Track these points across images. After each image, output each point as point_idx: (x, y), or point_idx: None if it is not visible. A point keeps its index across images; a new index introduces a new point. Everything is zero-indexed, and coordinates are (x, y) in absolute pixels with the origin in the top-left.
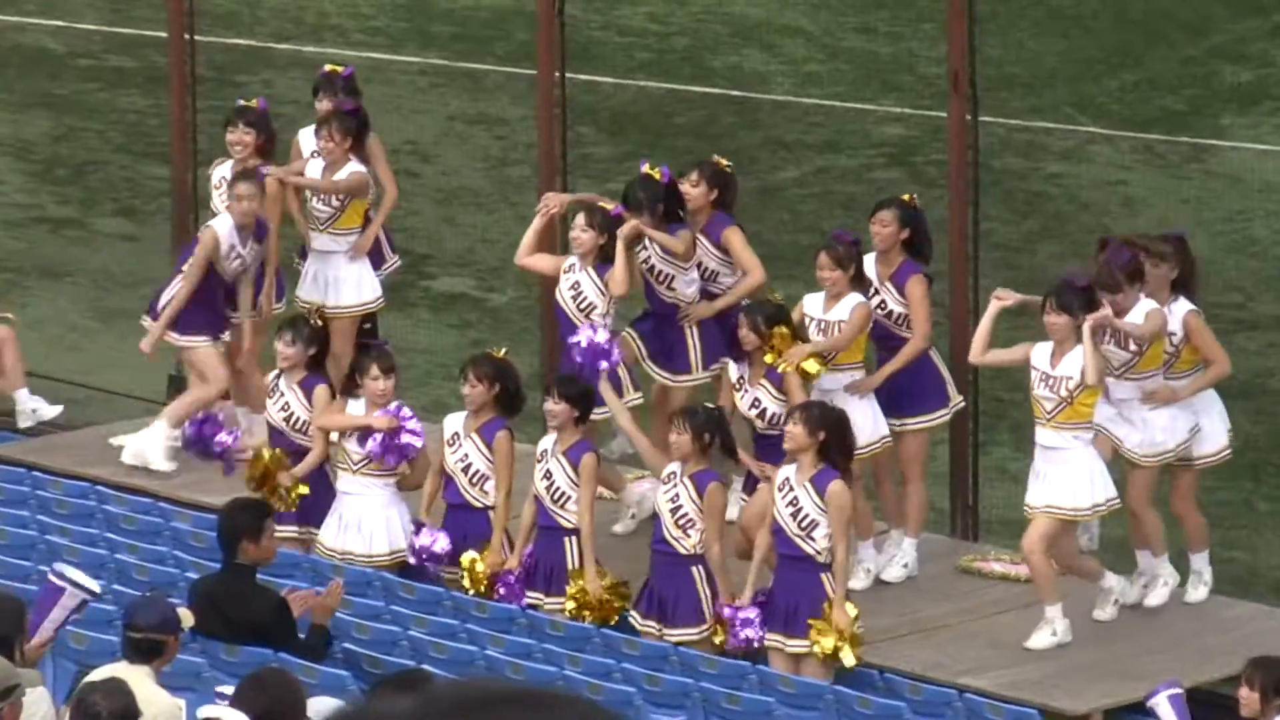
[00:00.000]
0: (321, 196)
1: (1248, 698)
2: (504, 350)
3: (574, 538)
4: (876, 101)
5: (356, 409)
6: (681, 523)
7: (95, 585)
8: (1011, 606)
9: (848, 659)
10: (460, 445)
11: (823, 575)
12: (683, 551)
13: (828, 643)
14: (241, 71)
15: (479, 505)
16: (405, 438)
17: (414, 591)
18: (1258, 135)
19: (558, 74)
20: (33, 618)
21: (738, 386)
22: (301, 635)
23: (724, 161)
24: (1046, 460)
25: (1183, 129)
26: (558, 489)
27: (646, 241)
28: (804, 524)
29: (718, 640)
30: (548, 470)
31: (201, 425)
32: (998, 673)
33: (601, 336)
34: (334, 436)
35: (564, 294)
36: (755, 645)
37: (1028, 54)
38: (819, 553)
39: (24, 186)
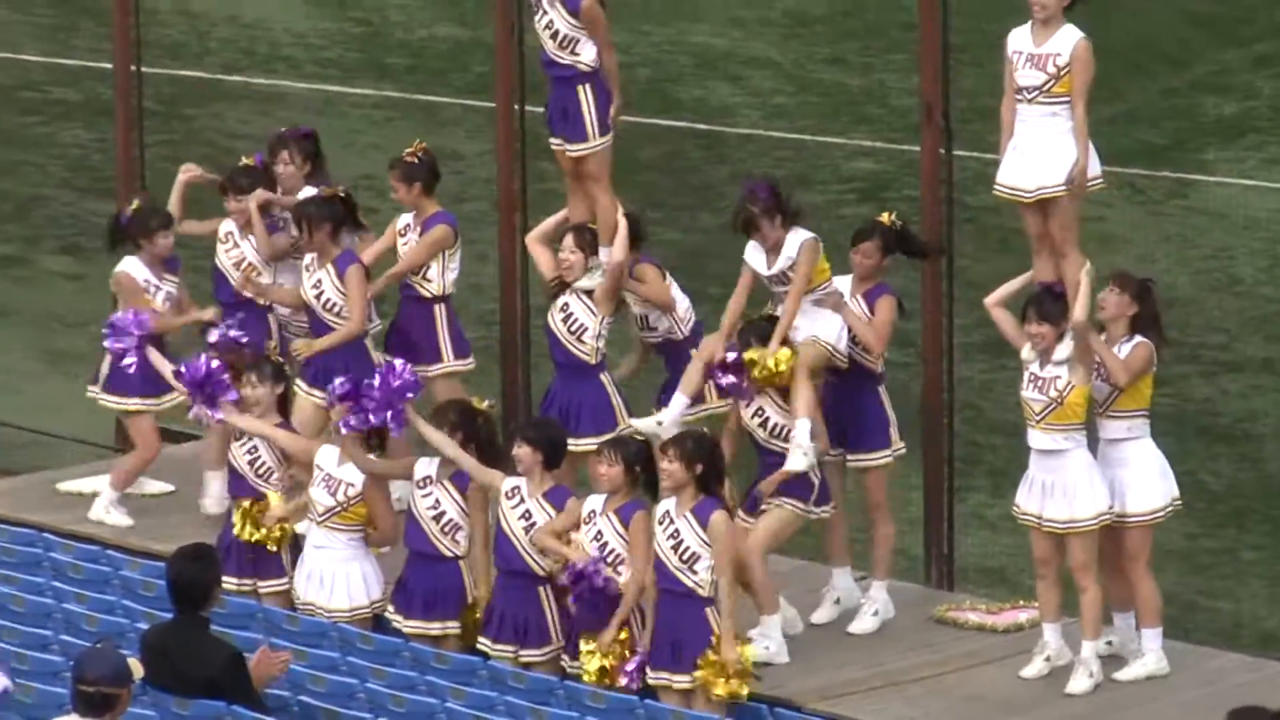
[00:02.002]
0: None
1: None
2: (488, 403)
3: (546, 586)
4: (847, 135)
5: (328, 453)
6: (611, 560)
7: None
8: (988, 659)
9: (740, 690)
10: (431, 490)
11: (706, 610)
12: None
13: (718, 683)
14: (190, 104)
15: (449, 555)
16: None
17: (371, 642)
18: (1242, 170)
19: (516, 107)
20: None
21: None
22: None
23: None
24: (1044, 469)
25: (1164, 163)
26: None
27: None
28: (685, 557)
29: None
30: (526, 511)
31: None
32: None
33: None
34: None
35: (555, 317)
36: (633, 689)
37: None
38: (699, 585)
39: None
